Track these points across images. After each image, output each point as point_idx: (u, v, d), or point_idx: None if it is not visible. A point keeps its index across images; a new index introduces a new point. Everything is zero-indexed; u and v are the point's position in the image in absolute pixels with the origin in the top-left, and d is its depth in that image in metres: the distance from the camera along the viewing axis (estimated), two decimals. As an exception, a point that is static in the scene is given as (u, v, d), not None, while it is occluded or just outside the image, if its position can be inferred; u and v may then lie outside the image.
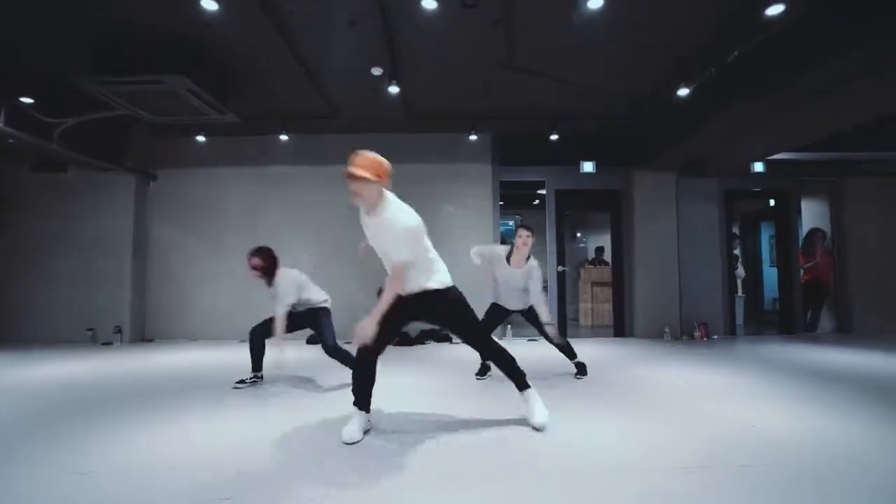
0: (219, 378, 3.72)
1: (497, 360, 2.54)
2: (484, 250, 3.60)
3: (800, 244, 6.34)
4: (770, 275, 8.26)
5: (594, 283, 7.92)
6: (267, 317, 3.40)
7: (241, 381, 3.46)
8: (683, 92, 4.03)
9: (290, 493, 1.76)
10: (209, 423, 2.65)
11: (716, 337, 5.95)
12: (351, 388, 2.41)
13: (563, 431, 2.48)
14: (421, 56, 4.01)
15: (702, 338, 5.86)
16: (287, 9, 3.34)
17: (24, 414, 2.85)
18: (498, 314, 3.69)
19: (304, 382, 3.63)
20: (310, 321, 3.48)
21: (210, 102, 4.14)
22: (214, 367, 4.23)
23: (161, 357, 4.89)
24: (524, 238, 3.43)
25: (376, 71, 4.27)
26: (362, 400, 2.41)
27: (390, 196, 2.28)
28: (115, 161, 5.69)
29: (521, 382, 2.56)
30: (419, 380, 3.76)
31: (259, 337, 3.47)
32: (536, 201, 9.87)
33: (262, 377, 3.56)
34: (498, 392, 3.27)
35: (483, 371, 3.79)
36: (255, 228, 6.09)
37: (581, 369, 3.79)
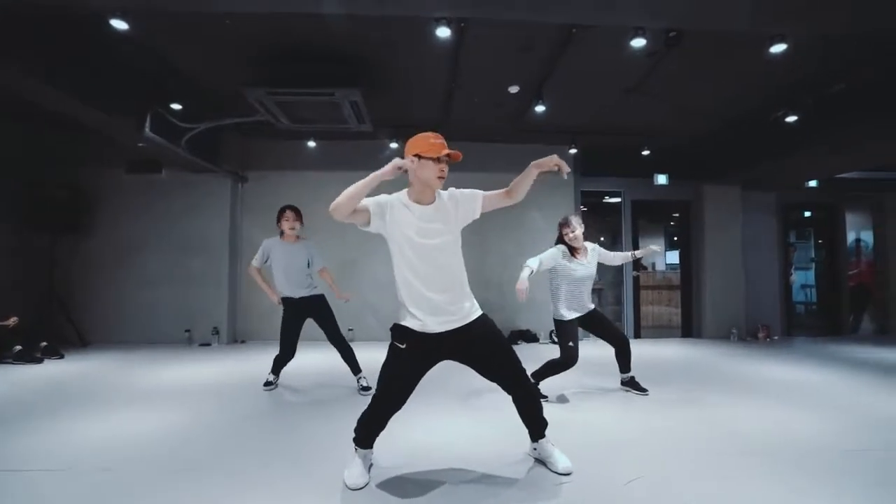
0: (348, 381, 3.76)
1: (530, 401, 2.11)
2: (543, 258, 3.14)
3: (848, 253, 6.99)
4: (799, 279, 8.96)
5: (643, 287, 8.41)
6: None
7: (366, 388, 3.52)
8: (791, 119, 4.47)
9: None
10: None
11: (776, 337, 6.51)
12: (355, 429, 2.08)
13: (743, 420, 2.85)
14: (565, 79, 4.31)
15: (765, 338, 6.40)
16: (473, 33, 3.58)
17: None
18: (574, 330, 3.26)
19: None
20: (316, 310, 3.56)
21: (360, 113, 4.32)
22: (331, 369, 4.19)
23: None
24: (575, 227, 3.19)
25: (513, 89, 4.54)
26: (366, 441, 2.09)
27: None
28: (215, 163, 5.74)
29: (541, 430, 2.16)
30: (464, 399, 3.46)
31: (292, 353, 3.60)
32: (585, 208, 10.31)
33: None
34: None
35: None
36: (343, 232, 6.23)
37: (634, 385, 3.56)
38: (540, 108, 4.43)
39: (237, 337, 6.13)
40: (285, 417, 3.03)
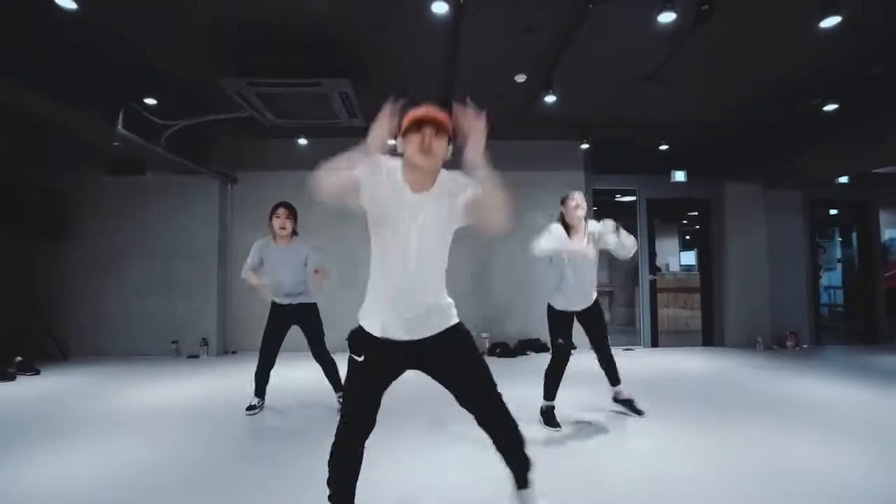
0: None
1: (514, 435, 1.66)
2: (551, 239, 2.79)
3: (884, 253, 6.51)
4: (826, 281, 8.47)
5: (659, 290, 7.96)
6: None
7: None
8: (832, 107, 4.03)
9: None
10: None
11: (805, 346, 6.04)
12: (328, 480, 1.61)
13: (784, 456, 2.42)
14: (577, 65, 3.90)
15: (793, 346, 5.93)
16: (471, 11, 3.18)
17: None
18: (568, 326, 2.93)
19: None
20: (304, 319, 3.23)
21: (351, 106, 3.94)
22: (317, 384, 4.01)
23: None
24: (579, 202, 2.85)
25: (520, 78, 4.14)
26: (344, 498, 1.62)
27: None
28: (201, 163, 5.39)
29: (523, 474, 1.70)
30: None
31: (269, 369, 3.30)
32: (596, 208, 9.89)
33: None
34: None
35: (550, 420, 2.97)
36: (339, 236, 5.85)
37: (630, 405, 3.14)
38: (550, 99, 4.01)
39: (227, 347, 5.78)
40: (265, 447, 2.65)
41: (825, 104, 4.06)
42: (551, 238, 2.78)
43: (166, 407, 3.49)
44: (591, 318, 2.97)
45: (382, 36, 3.41)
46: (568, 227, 2.88)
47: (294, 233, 3.27)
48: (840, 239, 8.80)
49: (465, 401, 1.64)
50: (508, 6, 3.10)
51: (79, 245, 5.51)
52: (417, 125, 1.47)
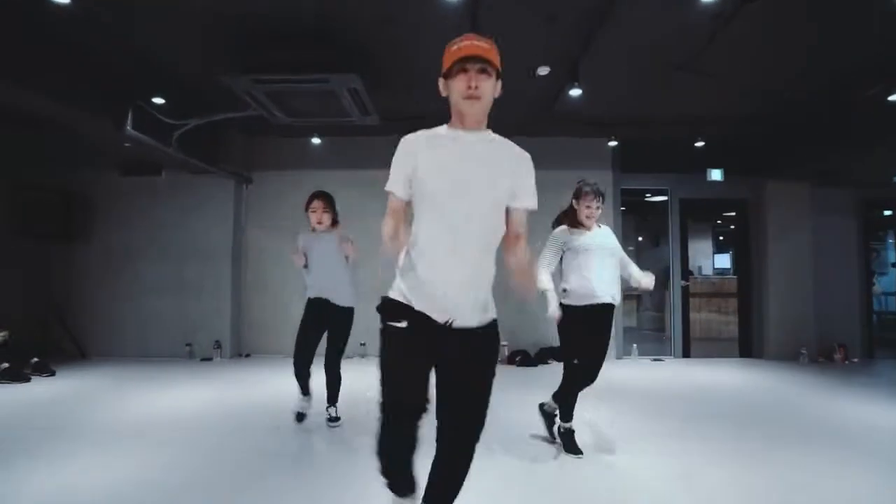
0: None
1: (467, 462, 1.39)
2: (549, 256, 2.56)
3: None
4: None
5: (691, 294, 7.50)
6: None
7: (335, 419, 3.01)
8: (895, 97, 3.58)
9: None
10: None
11: (856, 360, 5.53)
12: (380, 470, 1.38)
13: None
14: (605, 55, 3.58)
15: (842, 360, 5.44)
16: (487, 3, 2.92)
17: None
18: (579, 324, 2.48)
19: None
20: (337, 321, 2.93)
21: (362, 103, 3.74)
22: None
23: (271, 380, 4.51)
24: (591, 205, 2.49)
25: (542, 70, 3.84)
26: (404, 481, 1.39)
27: None
28: (215, 164, 5.30)
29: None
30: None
31: (306, 367, 2.98)
32: (624, 208, 9.47)
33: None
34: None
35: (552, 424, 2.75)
36: (360, 236, 5.66)
37: (568, 444, 2.60)
38: (576, 93, 3.70)
39: (241, 350, 5.70)
40: (263, 466, 2.47)
41: (890, 93, 3.61)
42: (551, 258, 2.54)
43: (172, 415, 3.38)
44: (602, 325, 2.56)
45: (392, 29, 3.18)
46: (574, 224, 2.55)
47: (335, 222, 3.01)
48: (893, 241, 8.12)
49: (446, 411, 1.38)
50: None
51: (94, 246, 5.52)
52: (461, 63, 1.25)
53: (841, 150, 4.76)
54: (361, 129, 4.72)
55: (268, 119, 4.11)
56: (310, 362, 2.97)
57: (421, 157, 1.30)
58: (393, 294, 1.35)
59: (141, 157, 5.21)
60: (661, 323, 7.74)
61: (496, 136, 1.38)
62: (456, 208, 1.26)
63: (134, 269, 5.52)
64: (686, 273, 5.85)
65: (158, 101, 3.92)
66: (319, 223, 2.90)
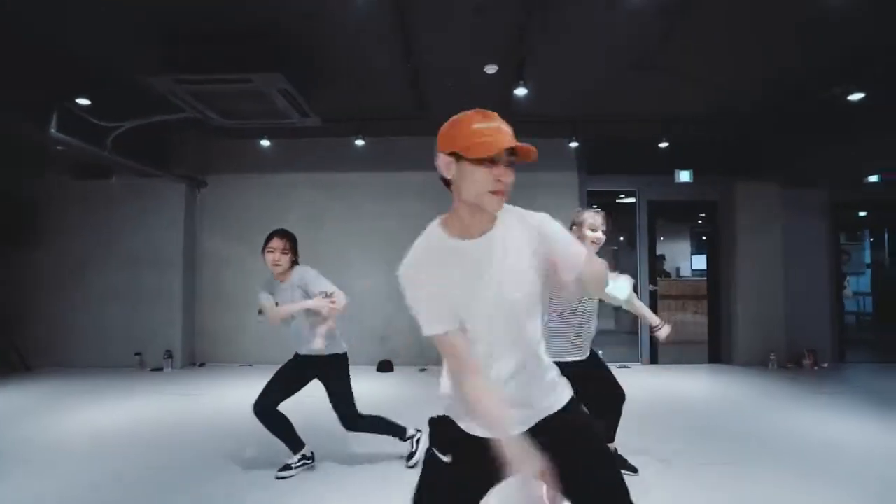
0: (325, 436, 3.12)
1: None
2: None
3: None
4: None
5: (666, 297, 7.37)
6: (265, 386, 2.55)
7: (287, 468, 2.56)
8: (857, 96, 3.43)
9: None
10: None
11: (825, 365, 5.40)
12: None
13: None
14: (553, 53, 3.41)
15: (811, 366, 5.31)
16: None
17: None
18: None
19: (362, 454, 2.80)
20: (327, 378, 2.57)
21: (297, 104, 3.55)
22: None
23: (220, 391, 4.34)
24: (597, 225, 2.23)
25: (490, 69, 3.67)
26: None
27: None
28: (164, 167, 5.09)
29: None
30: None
31: (271, 412, 2.53)
32: (596, 207, 9.28)
33: (312, 456, 2.65)
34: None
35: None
36: (316, 241, 5.48)
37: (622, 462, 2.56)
38: (521, 92, 3.53)
39: (196, 360, 5.51)
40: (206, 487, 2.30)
41: (849, 93, 3.46)
42: None
43: (111, 431, 3.25)
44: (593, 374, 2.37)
45: (316, 25, 2.99)
46: None
47: (294, 263, 2.56)
48: (871, 240, 8.02)
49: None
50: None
51: (40, 253, 5.30)
52: (491, 158, 1.03)
53: (808, 151, 4.63)
54: (314, 130, 4.53)
55: (204, 122, 3.91)
56: (275, 404, 2.54)
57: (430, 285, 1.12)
58: None
59: (88, 161, 4.99)
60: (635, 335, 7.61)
61: (499, 216, 1.14)
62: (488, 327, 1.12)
63: (83, 276, 5.32)
64: (655, 277, 5.70)
65: (84, 101, 3.70)
66: (276, 265, 2.47)
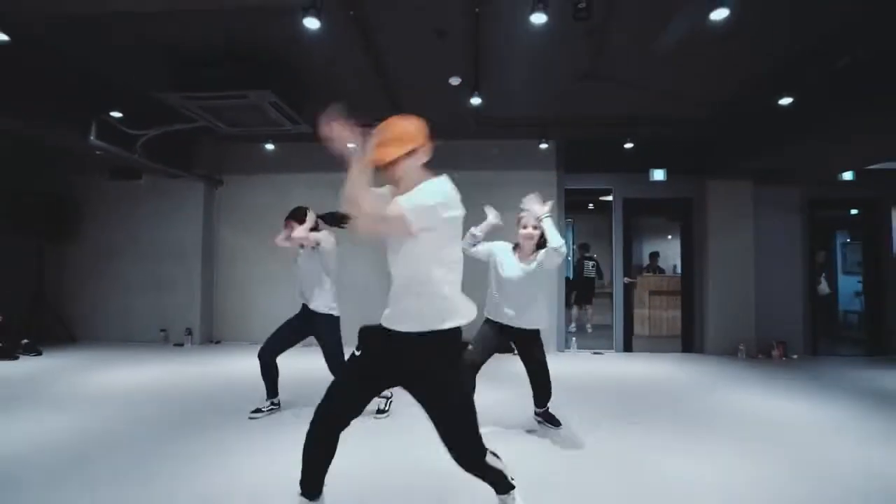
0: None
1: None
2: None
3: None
4: (845, 286, 7.73)
5: (651, 292, 7.61)
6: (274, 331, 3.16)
7: (258, 410, 3.17)
8: (786, 101, 3.72)
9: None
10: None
11: (795, 356, 5.59)
12: (302, 467, 1.65)
13: (654, 473, 2.34)
14: (503, 67, 3.88)
15: (780, 357, 5.52)
16: (377, 20, 3.28)
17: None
18: (485, 332, 2.87)
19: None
20: (316, 331, 3.08)
21: (287, 114, 4.15)
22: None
23: (229, 362, 5.02)
24: (528, 226, 2.77)
25: (454, 81, 4.16)
26: (313, 482, 1.66)
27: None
28: (186, 168, 5.84)
29: (503, 486, 1.75)
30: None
31: (268, 359, 3.11)
32: (591, 206, 9.58)
33: (278, 403, 3.25)
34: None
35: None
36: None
37: (551, 419, 3.01)
38: (476, 101, 4.01)
39: (213, 337, 6.25)
40: (213, 434, 2.89)
41: (780, 98, 3.75)
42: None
43: (139, 387, 4.00)
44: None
45: (298, 47, 3.58)
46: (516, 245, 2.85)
47: (314, 229, 3.09)
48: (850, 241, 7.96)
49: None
50: (416, 11, 3.16)
51: (82, 244, 6.17)
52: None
53: (773, 149, 4.85)
54: (309, 136, 5.14)
55: (214, 130, 4.58)
56: (275, 352, 3.11)
57: None
58: None
59: (122, 164, 5.82)
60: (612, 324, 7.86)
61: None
62: None
63: (117, 264, 6.15)
64: (630, 270, 6.02)
65: (117, 114, 4.45)
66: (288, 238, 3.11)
